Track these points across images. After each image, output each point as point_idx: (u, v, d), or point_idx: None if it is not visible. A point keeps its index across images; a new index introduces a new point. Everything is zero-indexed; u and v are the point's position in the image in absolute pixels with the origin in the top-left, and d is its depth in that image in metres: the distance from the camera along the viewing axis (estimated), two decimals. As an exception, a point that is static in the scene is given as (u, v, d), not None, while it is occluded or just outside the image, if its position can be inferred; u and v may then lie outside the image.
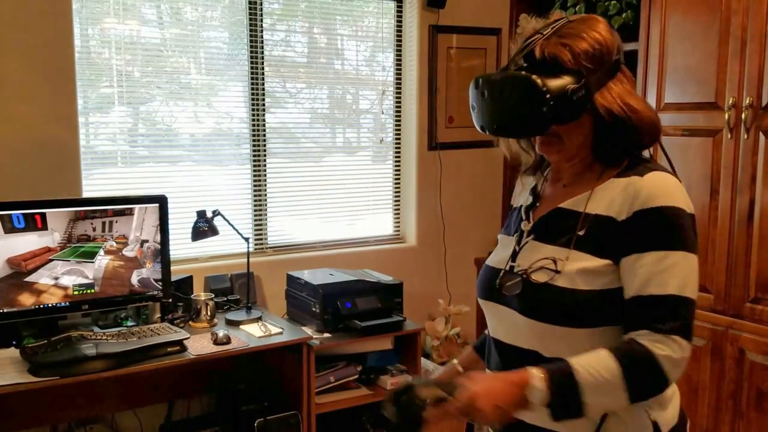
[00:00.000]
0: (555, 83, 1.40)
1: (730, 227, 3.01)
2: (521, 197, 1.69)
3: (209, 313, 3.15)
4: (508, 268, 1.56)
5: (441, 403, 1.38)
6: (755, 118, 2.90)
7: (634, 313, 1.38)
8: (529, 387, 1.33)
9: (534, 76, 1.41)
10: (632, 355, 1.34)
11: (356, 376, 3.35)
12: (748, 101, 2.91)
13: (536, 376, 1.33)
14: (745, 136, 2.93)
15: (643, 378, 1.34)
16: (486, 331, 1.77)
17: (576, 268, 1.43)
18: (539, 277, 1.47)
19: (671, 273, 1.35)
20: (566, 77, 1.42)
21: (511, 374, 1.38)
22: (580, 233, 1.46)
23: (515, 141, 1.63)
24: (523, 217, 1.61)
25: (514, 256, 1.56)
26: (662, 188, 1.40)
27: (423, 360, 3.46)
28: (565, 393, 1.32)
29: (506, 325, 1.54)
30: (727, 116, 2.98)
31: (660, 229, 1.38)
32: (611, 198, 1.44)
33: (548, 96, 1.39)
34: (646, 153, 1.53)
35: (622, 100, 1.45)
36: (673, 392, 1.51)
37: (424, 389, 1.40)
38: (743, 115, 2.93)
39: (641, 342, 1.34)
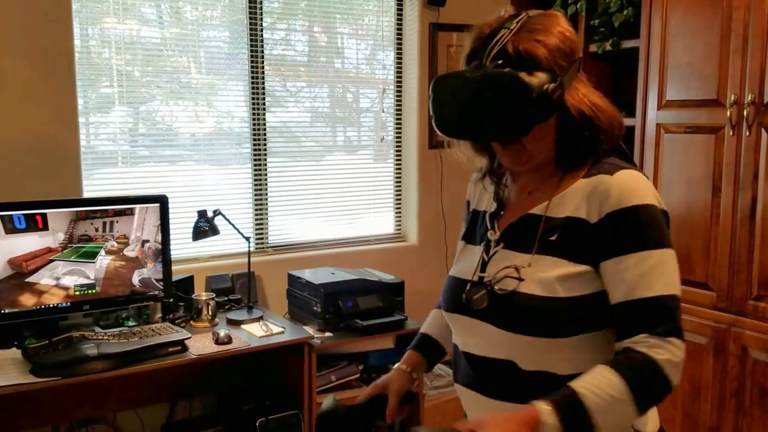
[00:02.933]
0: (535, 81, 1.33)
1: (732, 225, 3.00)
2: (482, 202, 1.63)
3: (210, 313, 3.14)
4: (476, 279, 1.50)
5: None
6: (757, 114, 2.89)
7: (626, 319, 1.33)
8: (540, 424, 1.25)
9: (521, 74, 1.33)
10: (634, 366, 1.29)
11: (358, 375, 3.34)
12: (750, 98, 2.90)
13: (545, 410, 1.25)
14: (747, 133, 2.93)
15: (649, 388, 1.29)
16: (421, 333, 1.78)
17: (544, 274, 1.38)
18: (505, 286, 1.42)
19: (656, 273, 1.31)
20: (543, 75, 1.35)
21: (519, 414, 1.27)
22: (552, 238, 1.40)
23: (470, 145, 1.55)
24: (489, 226, 1.54)
25: (483, 266, 1.50)
26: (632, 187, 1.35)
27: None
28: (577, 421, 1.26)
29: (478, 338, 1.48)
30: (729, 113, 2.97)
31: (637, 229, 1.33)
32: (580, 199, 1.39)
33: (534, 95, 1.32)
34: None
35: (589, 99, 1.41)
36: None
37: None
38: (745, 112, 2.92)
39: (639, 349, 1.30)
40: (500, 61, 1.37)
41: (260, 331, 3.07)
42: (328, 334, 3.21)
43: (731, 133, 2.98)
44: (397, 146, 4.15)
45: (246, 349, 2.90)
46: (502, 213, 1.55)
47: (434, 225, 4.17)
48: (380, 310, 3.30)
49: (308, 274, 3.42)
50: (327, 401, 1.61)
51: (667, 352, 1.29)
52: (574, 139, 1.42)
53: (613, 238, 1.34)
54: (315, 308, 3.26)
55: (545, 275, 1.38)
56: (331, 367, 3.28)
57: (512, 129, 1.38)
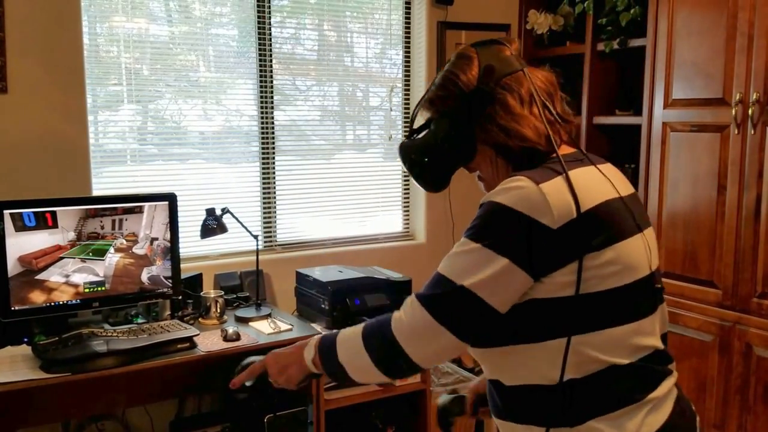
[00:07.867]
0: (421, 141, 1.49)
1: (737, 223, 3.00)
2: None
3: (219, 310, 3.17)
4: None
5: None
6: (762, 113, 2.89)
7: None
8: (306, 346, 1.54)
9: (403, 143, 1.52)
10: (377, 319, 1.45)
11: (365, 372, 3.36)
12: (755, 97, 2.90)
13: (313, 338, 1.55)
14: (752, 132, 2.93)
15: (373, 335, 1.43)
16: None
17: None
18: None
19: (452, 255, 1.37)
20: (430, 130, 1.48)
21: (300, 342, 1.58)
22: None
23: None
24: None
25: None
26: (501, 186, 1.35)
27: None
28: (327, 351, 1.51)
29: None
30: (734, 112, 2.98)
31: (473, 220, 1.37)
32: None
33: (421, 156, 1.48)
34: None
35: (501, 126, 1.41)
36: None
37: None
38: (750, 111, 2.92)
39: None
40: (407, 133, 1.56)
41: (268, 328, 3.09)
42: (335, 331, 3.22)
43: (736, 132, 2.98)
44: (404, 144, 4.15)
45: (254, 346, 2.93)
46: None
47: (442, 224, 4.18)
48: (388, 308, 3.31)
49: (316, 272, 3.44)
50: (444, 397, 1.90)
51: (402, 311, 1.39)
52: (511, 156, 1.45)
53: None
54: (323, 306, 3.29)
55: None
56: (338, 364, 3.29)
57: (431, 185, 1.54)
